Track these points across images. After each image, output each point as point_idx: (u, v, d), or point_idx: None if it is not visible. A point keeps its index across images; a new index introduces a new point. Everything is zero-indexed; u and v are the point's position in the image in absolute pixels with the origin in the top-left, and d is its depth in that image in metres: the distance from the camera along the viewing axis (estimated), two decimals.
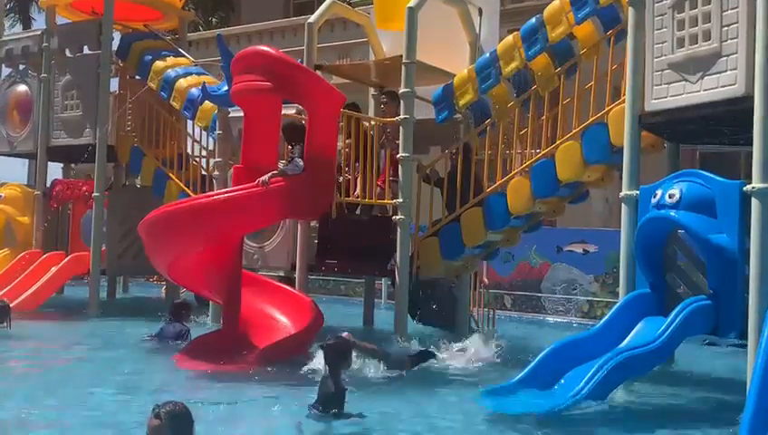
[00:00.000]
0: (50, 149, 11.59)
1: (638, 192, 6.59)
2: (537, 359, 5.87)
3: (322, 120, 7.36)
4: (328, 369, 5.28)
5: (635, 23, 6.70)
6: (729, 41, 5.78)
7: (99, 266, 10.83)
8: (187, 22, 13.06)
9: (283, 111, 7.82)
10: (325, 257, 8.64)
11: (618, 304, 6.34)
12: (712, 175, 5.93)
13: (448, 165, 8.78)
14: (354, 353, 5.76)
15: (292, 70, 7.31)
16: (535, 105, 8.23)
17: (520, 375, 5.81)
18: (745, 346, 5.66)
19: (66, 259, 11.19)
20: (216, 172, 9.77)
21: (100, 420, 5.04)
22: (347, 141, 8.46)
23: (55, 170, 13.01)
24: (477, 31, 9.58)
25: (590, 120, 7.63)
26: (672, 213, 5.91)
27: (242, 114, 7.83)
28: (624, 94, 7.00)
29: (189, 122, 10.93)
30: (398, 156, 8.34)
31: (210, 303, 9.44)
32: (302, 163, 7.23)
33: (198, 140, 11.19)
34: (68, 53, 11.51)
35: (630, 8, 6.75)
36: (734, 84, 5.74)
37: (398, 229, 8.25)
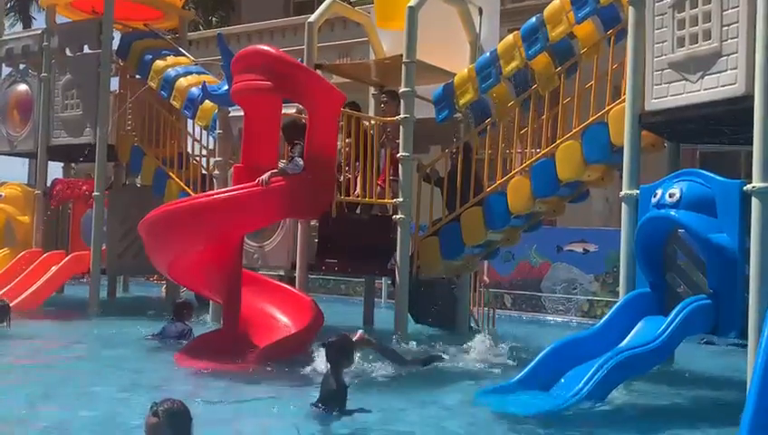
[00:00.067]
0: (50, 149, 11.59)
1: (638, 191, 6.59)
2: (537, 358, 5.87)
3: (323, 120, 7.36)
4: (330, 367, 5.28)
5: (635, 22, 6.70)
6: (729, 40, 5.77)
7: (99, 266, 10.83)
8: (187, 21, 13.07)
9: (283, 111, 7.83)
10: (325, 257, 8.64)
11: (618, 304, 6.34)
12: (712, 174, 5.93)
13: (448, 164, 8.77)
14: (357, 352, 5.78)
15: (293, 69, 7.31)
16: (535, 104, 8.23)
17: (520, 375, 5.81)
18: (743, 345, 5.67)
19: (66, 258, 11.19)
20: (217, 171, 9.78)
21: (101, 419, 5.05)
22: (347, 141, 8.45)
23: (55, 170, 13.04)
24: (477, 30, 9.58)
25: (591, 119, 7.63)
26: (672, 212, 5.91)
27: (242, 113, 7.83)
28: (624, 94, 6.99)
29: (189, 122, 10.93)
30: (399, 155, 8.34)
31: (210, 302, 9.44)
32: (302, 162, 7.23)
33: (199, 139, 11.18)
34: (68, 53, 11.51)
35: (630, 7, 6.75)
36: (734, 84, 5.74)
37: (399, 229, 8.25)
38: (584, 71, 7.93)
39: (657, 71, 6.42)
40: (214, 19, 24.14)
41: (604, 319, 6.22)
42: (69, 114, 11.26)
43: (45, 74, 11.44)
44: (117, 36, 11.54)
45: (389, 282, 11.45)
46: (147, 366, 7.12)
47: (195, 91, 10.10)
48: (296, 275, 8.68)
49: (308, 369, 6.52)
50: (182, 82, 10.41)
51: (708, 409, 6.11)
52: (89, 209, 11.27)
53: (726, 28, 5.80)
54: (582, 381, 5.39)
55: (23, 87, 11.95)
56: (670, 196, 5.94)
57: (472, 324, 9.95)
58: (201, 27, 22.26)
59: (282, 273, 9.28)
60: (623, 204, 6.79)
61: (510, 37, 8.18)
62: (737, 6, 5.71)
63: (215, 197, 7.54)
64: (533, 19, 8.02)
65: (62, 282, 11.54)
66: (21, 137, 11.94)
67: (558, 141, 7.81)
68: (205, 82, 9.52)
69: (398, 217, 8.29)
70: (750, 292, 5.51)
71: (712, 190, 5.82)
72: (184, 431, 3.28)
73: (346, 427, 4.91)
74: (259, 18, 19.63)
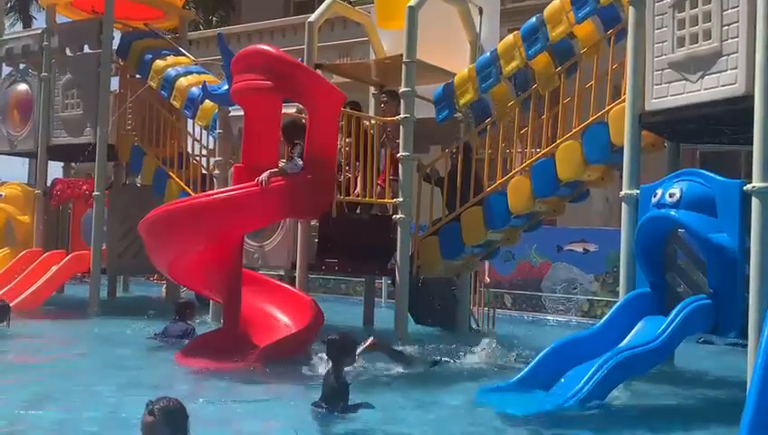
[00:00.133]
0: (50, 148, 11.58)
1: (638, 191, 6.59)
2: (537, 358, 5.88)
3: (323, 120, 7.36)
4: (331, 365, 5.27)
5: (635, 22, 6.70)
6: (729, 40, 5.77)
7: (99, 265, 10.83)
8: (187, 21, 13.06)
9: (283, 111, 7.83)
10: (325, 256, 8.64)
11: (618, 304, 6.34)
12: (712, 174, 5.93)
13: (448, 164, 8.77)
14: (358, 353, 5.78)
15: (293, 69, 7.31)
16: (535, 104, 8.23)
17: (520, 375, 5.81)
18: (740, 345, 5.67)
19: (66, 258, 11.19)
20: (217, 171, 9.78)
21: (101, 419, 5.05)
22: (347, 140, 8.45)
23: (56, 169, 13.03)
24: (478, 30, 9.58)
25: (591, 119, 7.63)
26: (672, 212, 5.91)
27: (242, 113, 7.83)
28: (624, 93, 6.99)
29: (190, 121, 10.93)
30: (399, 155, 8.34)
31: (210, 302, 9.44)
32: (301, 163, 7.22)
33: (199, 139, 11.18)
34: (68, 52, 11.50)
35: (631, 7, 6.75)
36: (734, 84, 5.74)
37: (399, 228, 8.25)
38: (584, 71, 7.93)
39: (657, 70, 6.42)
40: (214, 19, 24.16)
41: (604, 319, 6.22)
42: (69, 114, 11.26)
43: (45, 74, 11.44)
44: (117, 36, 11.56)
45: (389, 282, 11.45)
46: (147, 365, 7.12)
47: (195, 90, 10.10)
48: (296, 274, 8.68)
49: (308, 368, 6.53)
50: (182, 81, 10.40)
51: (708, 409, 6.11)
52: (89, 209, 11.27)
53: (726, 28, 5.80)
54: (582, 381, 5.40)
55: (23, 87, 11.94)
56: (670, 196, 5.94)
57: (472, 324, 9.96)
58: (201, 27, 22.27)
59: (282, 272, 9.29)
60: (623, 204, 6.79)
61: (510, 37, 8.18)
62: (737, 6, 5.71)
63: (215, 196, 7.54)
64: (533, 19, 8.01)
65: (62, 282, 11.54)
66: (21, 136, 11.94)
67: (558, 141, 7.81)
68: (205, 81, 9.52)
69: (398, 216, 8.29)
70: (750, 292, 5.51)
71: (712, 190, 5.82)
72: (180, 429, 3.27)
73: (346, 427, 4.90)
74: (259, 18, 19.63)
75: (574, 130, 7.71)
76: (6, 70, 12.40)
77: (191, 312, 8.63)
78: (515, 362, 7.23)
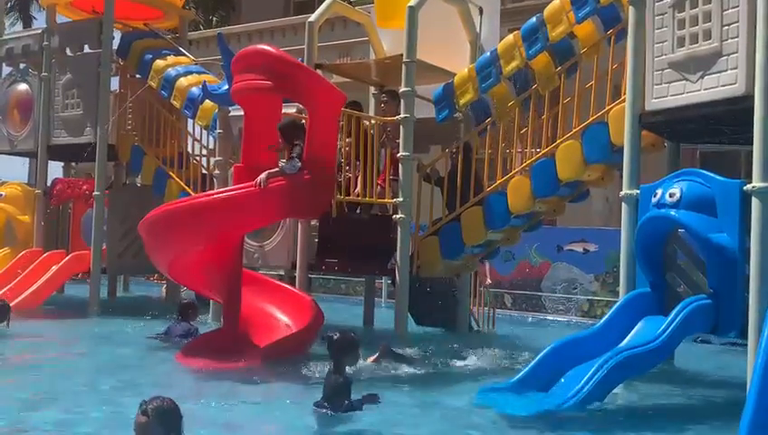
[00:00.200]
0: (50, 148, 11.58)
1: (638, 191, 6.59)
2: (537, 358, 5.87)
3: (323, 120, 7.36)
4: (332, 363, 5.26)
5: (635, 22, 6.70)
6: (729, 40, 5.78)
7: (99, 265, 10.84)
8: (187, 21, 13.06)
9: (283, 110, 7.83)
10: (325, 256, 8.64)
11: (618, 304, 6.34)
12: (712, 174, 5.93)
13: (448, 164, 8.78)
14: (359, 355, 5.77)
15: (293, 69, 7.31)
16: (535, 104, 8.24)
17: (520, 374, 5.81)
18: (738, 344, 5.67)
19: (67, 258, 11.20)
20: (217, 171, 9.78)
21: (102, 418, 5.04)
22: (347, 140, 8.45)
23: (56, 169, 13.03)
24: (478, 30, 9.58)
25: (591, 119, 7.63)
26: (672, 212, 5.91)
27: (242, 113, 7.83)
28: (624, 93, 7.00)
29: (190, 121, 10.93)
30: (399, 155, 8.34)
31: (210, 302, 9.45)
32: (299, 164, 7.18)
33: (199, 138, 11.19)
34: (68, 52, 11.51)
35: (631, 7, 6.75)
36: (734, 84, 5.74)
37: (399, 228, 8.26)
38: (584, 70, 7.94)
39: (657, 70, 6.42)
40: (214, 19, 24.17)
41: (604, 319, 6.22)
42: (69, 114, 11.26)
43: (46, 74, 11.44)
44: (117, 36, 11.56)
45: (390, 282, 11.46)
46: (148, 365, 7.12)
47: (195, 90, 10.10)
48: (296, 274, 8.68)
49: (308, 368, 6.53)
50: (182, 81, 10.41)
51: (708, 408, 6.11)
52: (89, 209, 11.28)
53: (726, 28, 5.80)
54: (582, 381, 5.39)
55: (23, 86, 11.94)
56: (670, 195, 5.94)
57: (472, 325, 9.96)
58: (201, 27, 22.28)
59: (282, 272, 9.29)
60: (623, 204, 6.79)
61: (510, 37, 8.18)
62: (737, 6, 5.71)
63: (214, 196, 7.54)
64: (534, 19, 8.02)
65: (62, 281, 11.54)
66: (21, 136, 11.93)
67: (558, 141, 7.82)
68: (205, 81, 9.52)
69: (398, 216, 8.29)
70: (750, 292, 5.51)
71: (712, 190, 5.82)
72: (174, 429, 3.24)
73: (347, 427, 4.90)
74: (259, 18, 19.63)
75: (574, 130, 7.72)
76: (7, 70, 12.40)
77: (194, 312, 8.64)
78: (515, 362, 7.23)
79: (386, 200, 8.58)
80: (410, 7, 8.31)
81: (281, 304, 7.85)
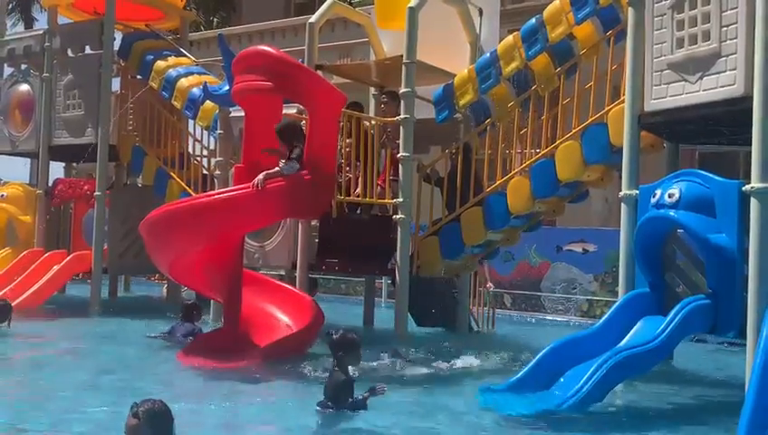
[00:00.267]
0: (51, 149, 11.61)
1: (637, 192, 6.60)
2: (536, 358, 5.88)
3: (323, 120, 7.37)
4: (334, 363, 5.26)
5: (634, 23, 6.71)
6: (728, 41, 5.79)
7: (101, 265, 10.86)
8: (188, 22, 13.08)
9: (283, 111, 7.84)
10: (326, 256, 8.66)
11: (617, 304, 6.35)
12: (711, 175, 5.94)
13: (448, 165, 8.80)
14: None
15: (293, 70, 7.33)
16: (535, 105, 8.25)
17: (519, 374, 5.82)
18: (735, 344, 5.68)
19: (68, 258, 11.22)
20: (218, 172, 9.80)
21: (102, 418, 5.05)
22: (347, 141, 8.47)
23: (57, 170, 13.06)
24: (477, 31, 9.60)
25: (590, 119, 7.65)
26: (671, 212, 5.92)
27: (243, 114, 7.85)
28: (624, 94, 7.01)
29: (191, 122, 10.96)
30: (399, 155, 8.36)
31: (211, 302, 9.47)
32: (297, 165, 7.17)
33: (200, 139, 11.21)
34: (70, 53, 11.53)
35: (630, 8, 6.77)
36: (733, 85, 5.75)
37: (399, 228, 8.27)
38: (584, 71, 7.95)
39: (656, 71, 6.43)
40: (215, 20, 24.17)
41: (603, 319, 6.23)
42: (70, 114, 11.28)
43: (47, 75, 11.46)
44: (118, 37, 11.58)
45: (390, 282, 11.47)
46: (149, 365, 7.14)
47: (196, 91, 10.13)
48: (296, 274, 8.70)
49: (309, 368, 6.54)
50: (183, 82, 10.43)
51: (707, 408, 6.13)
52: (90, 209, 11.31)
53: (725, 29, 5.81)
54: (582, 381, 5.40)
55: (24, 87, 11.96)
56: (669, 196, 5.95)
57: (472, 325, 9.97)
58: (202, 28, 22.27)
59: (282, 272, 9.30)
60: (622, 204, 6.81)
61: (510, 38, 8.20)
62: (736, 7, 5.73)
63: (215, 197, 7.55)
64: (533, 20, 8.04)
65: (63, 281, 11.56)
66: (23, 137, 11.96)
67: (558, 142, 7.84)
68: (206, 82, 9.55)
69: (398, 217, 8.31)
70: (749, 292, 5.52)
71: (711, 191, 5.83)
72: (164, 432, 3.22)
73: (347, 428, 4.91)
74: (260, 19, 19.65)
75: (574, 131, 7.74)
76: (8, 70, 12.43)
77: (197, 313, 8.67)
78: (515, 362, 7.25)
79: (386, 201, 8.60)
80: (410, 8, 8.33)
81: (281, 304, 7.87)
